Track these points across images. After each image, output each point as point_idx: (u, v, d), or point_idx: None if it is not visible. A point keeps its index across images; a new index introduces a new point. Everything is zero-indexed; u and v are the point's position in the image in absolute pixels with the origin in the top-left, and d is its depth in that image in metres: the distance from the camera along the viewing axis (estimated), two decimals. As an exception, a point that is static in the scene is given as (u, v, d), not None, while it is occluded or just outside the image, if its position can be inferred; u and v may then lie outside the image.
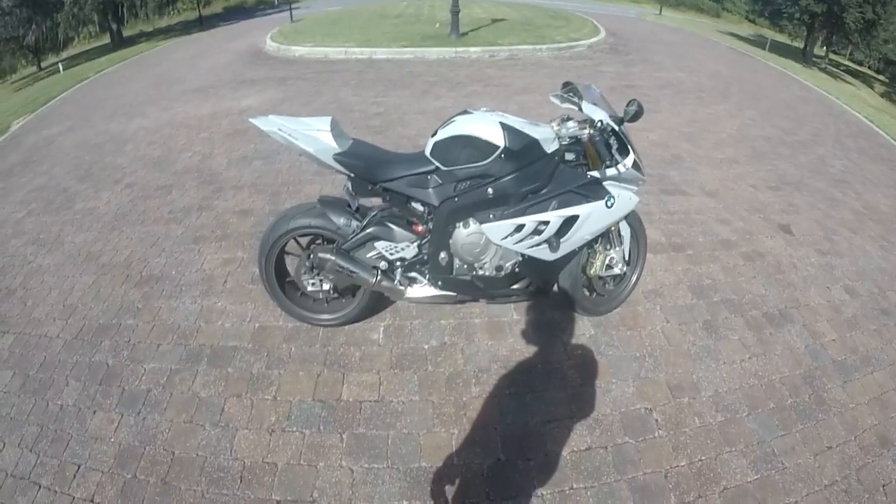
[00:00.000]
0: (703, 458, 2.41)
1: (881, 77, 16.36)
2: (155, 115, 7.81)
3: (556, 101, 2.74)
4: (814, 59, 15.83)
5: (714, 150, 6.15)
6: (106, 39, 19.59)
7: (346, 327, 3.03)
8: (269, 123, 2.49)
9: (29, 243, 4.54)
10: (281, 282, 2.91)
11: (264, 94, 8.27)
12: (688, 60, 11.86)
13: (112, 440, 2.58)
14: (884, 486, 2.40)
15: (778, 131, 7.26)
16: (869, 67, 16.59)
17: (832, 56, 15.67)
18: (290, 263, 2.98)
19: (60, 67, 15.15)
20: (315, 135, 2.47)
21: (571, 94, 2.72)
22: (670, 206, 4.54)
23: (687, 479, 2.31)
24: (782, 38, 19.31)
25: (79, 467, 2.49)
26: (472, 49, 11.14)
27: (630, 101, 2.47)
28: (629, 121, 2.49)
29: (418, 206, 2.64)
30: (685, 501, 2.23)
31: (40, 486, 2.47)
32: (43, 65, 18.21)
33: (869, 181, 6.04)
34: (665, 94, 8.61)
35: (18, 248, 4.51)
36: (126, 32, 21.04)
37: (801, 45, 17.26)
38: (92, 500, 2.35)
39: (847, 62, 16.41)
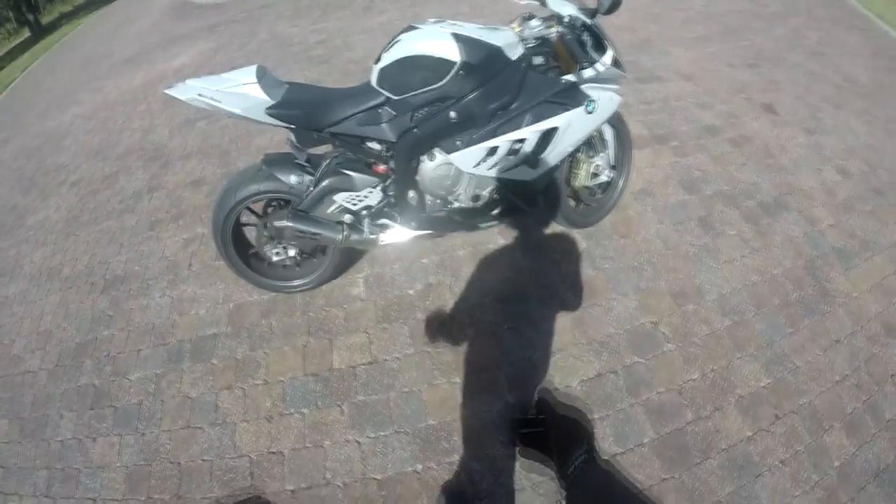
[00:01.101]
0: (714, 367, 2.30)
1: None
2: (88, 100, 7.31)
3: None
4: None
5: (684, 29, 5.67)
6: (26, 33, 18.34)
7: (324, 288, 2.80)
8: (187, 90, 2.14)
9: (-10, 277, 4.30)
10: (245, 256, 2.66)
11: (196, 48, 7.67)
12: None
13: (118, 465, 2.50)
14: (892, 376, 2.37)
15: (748, 3, 6.68)
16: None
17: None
18: (251, 234, 2.71)
19: (-17, 77, 14.32)
20: (241, 91, 2.11)
21: None
22: (647, 94, 4.18)
23: (701, 393, 2.21)
24: None
25: (94, 501, 2.44)
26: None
27: None
28: (605, 13, 2.12)
29: (374, 145, 2.30)
30: (702, 416, 2.15)
31: None
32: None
33: (846, 53, 5.65)
34: None
35: (-22, 287, 4.29)
36: (45, 19, 19.58)
37: None
38: None
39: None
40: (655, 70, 4.63)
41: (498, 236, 2.89)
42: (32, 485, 2.66)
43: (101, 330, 3.15)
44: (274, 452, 2.23)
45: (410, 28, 2.18)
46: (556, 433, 1.15)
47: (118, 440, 2.58)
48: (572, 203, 2.75)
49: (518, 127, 2.18)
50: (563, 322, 2.44)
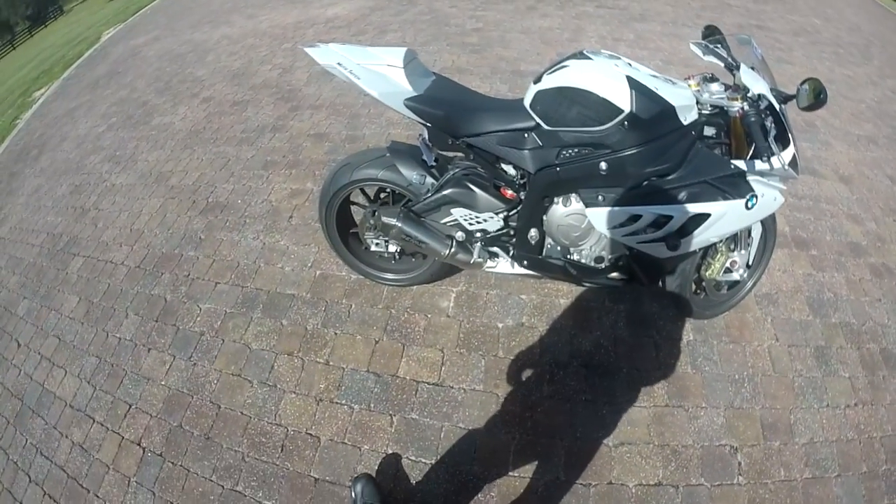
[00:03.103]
0: None
1: None
2: (240, 24, 7.59)
3: (698, 52, 2.12)
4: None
5: (851, 123, 5.21)
6: None
7: (414, 289, 2.72)
8: (328, 55, 2.05)
9: (105, 160, 4.52)
10: (344, 232, 2.59)
11: (354, 2, 7.73)
12: (824, 6, 10.24)
13: (162, 383, 2.55)
14: None
15: None
16: None
17: None
18: (357, 213, 2.65)
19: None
20: (384, 72, 2.01)
21: (719, 45, 2.11)
22: (799, 187, 3.85)
23: None
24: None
25: (130, 407, 2.52)
26: (586, -37, 9.93)
27: (806, 80, 1.85)
28: (802, 107, 1.86)
29: (510, 169, 2.16)
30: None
31: (94, 421, 2.54)
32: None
33: None
34: (799, 42, 7.40)
35: (95, 164, 4.51)
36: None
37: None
38: (139, 444, 2.35)
39: None
40: (813, 161, 4.26)
41: (605, 297, 2.71)
42: (80, 366, 2.78)
43: (188, 249, 3.22)
44: (311, 435, 2.18)
45: (582, 56, 2.00)
46: None
47: (170, 360, 2.62)
48: (694, 289, 2.55)
49: (669, 202, 1.96)
50: (643, 414, 2.25)
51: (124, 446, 2.35)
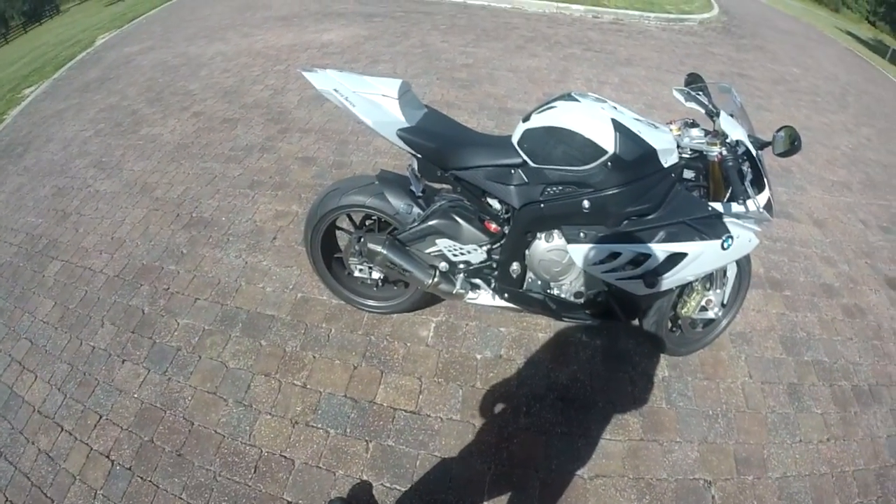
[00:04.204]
0: None
1: None
2: (235, 41, 7.63)
3: (680, 98, 2.23)
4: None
5: (826, 169, 5.45)
6: None
7: (394, 317, 2.74)
8: (325, 80, 2.09)
9: (91, 165, 4.48)
10: (328, 257, 2.62)
11: (348, 30, 7.89)
12: (804, 56, 10.68)
13: (135, 396, 2.51)
14: None
15: (895, 159, 6.39)
16: None
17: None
18: (342, 238, 2.68)
19: (153, -16, 15.22)
20: (378, 101, 2.06)
21: (700, 92, 2.21)
22: (774, 230, 4.00)
23: None
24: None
25: (100, 417, 2.46)
26: (575, 7, 10.16)
27: (781, 128, 1.95)
28: (777, 153, 1.97)
29: (495, 203, 2.21)
30: None
31: (62, 429, 2.47)
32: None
33: None
34: (778, 90, 7.72)
35: (80, 169, 4.47)
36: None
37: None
38: (108, 456, 2.30)
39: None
40: (788, 205, 4.41)
41: (582, 333, 2.76)
42: (51, 372, 2.72)
43: (169, 262, 3.20)
44: (286, 457, 2.16)
45: (569, 97, 2.07)
46: None
47: (145, 373, 2.59)
48: (670, 325, 2.60)
49: (648, 241, 2.04)
50: (618, 447, 2.28)
51: (92, 457, 2.29)
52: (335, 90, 2.07)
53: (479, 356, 2.58)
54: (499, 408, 2.37)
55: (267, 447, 2.21)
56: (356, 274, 2.58)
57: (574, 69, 6.68)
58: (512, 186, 2.08)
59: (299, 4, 9.97)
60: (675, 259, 2.04)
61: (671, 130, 2.09)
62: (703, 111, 2.16)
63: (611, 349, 2.69)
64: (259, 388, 2.43)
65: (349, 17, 8.80)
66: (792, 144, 1.92)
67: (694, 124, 2.12)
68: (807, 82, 8.54)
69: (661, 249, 2.03)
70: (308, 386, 2.42)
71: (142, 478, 2.18)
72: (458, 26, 8.39)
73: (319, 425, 2.27)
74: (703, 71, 2.41)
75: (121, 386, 2.56)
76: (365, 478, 2.09)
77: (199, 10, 10.60)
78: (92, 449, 2.33)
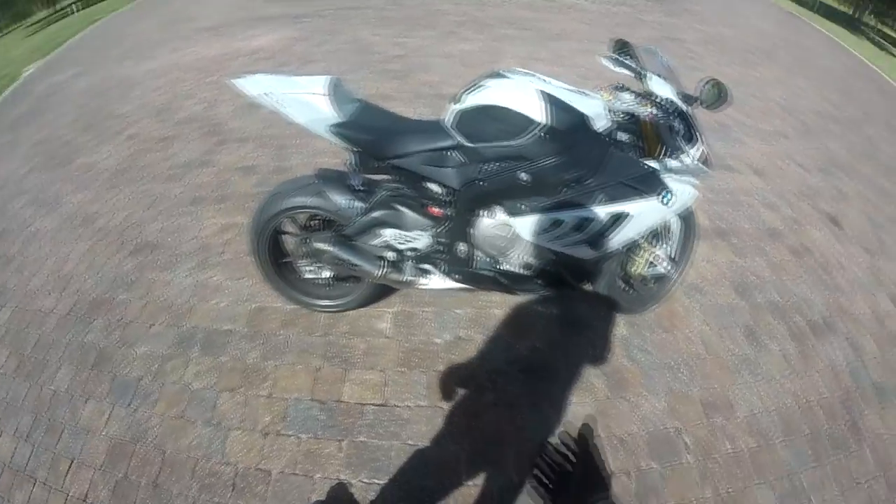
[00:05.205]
0: (730, 489, 2.17)
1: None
2: (164, 57, 7.42)
3: (609, 65, 2.25)
4: (862, 27, 14.37)
5: (762, 119, 5.61)
6: None
7: (350, 313, 2.73)
8: (255, 85, 2.05)
9: (29, 204, 4.33)
10: (277, 263, 2.59)
11: (278, 33, 7.76)
12: (733, 15, 10.91)
13: (103, 433, 2.45)
14: None
15: (827, 105, 6.64)
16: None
17: (881, 27, 14.16)
18: (289, 242, 2.65)
19: (74, 9, 14.63)
20: (309, 100, 2.02)
21: (628, 57, 2.24)
22: (716, 182, 4.09)
23: None
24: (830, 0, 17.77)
25: (72, 462, 2.40)
26: (505, -13, 10.21)
27: (708, 80, 2.02)
28: (707, 107, 2.04)
29: (435, 187, 2.20)
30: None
31: (35, 481, 2.40)
32: (58, 6, 17.66)
33: None
34: (710, 50, 7.93)
35: (18, 210, 4.31)
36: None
37: (851, 11, 15.67)
38: (85, 500, 2.25)
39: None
40: (728, 158, 4.53)
41: (537, 304, 2.79)
42: (16, 424, 2.63)
43: (119, 292, 3.12)
44: (262, 469, 2.15)
45: (498, 75, 2.09)
46: (580, 469, 1.04)
47: (109, 409, 2.53)
48: (622, 285, 2.65)
49: (589, 204, 2.08)
50: (587, 409, 2.33)
51: (70, 504, 2.25)
52: (265, 94, 2.03)
53: (438, 340, 2.59)
54: (464, 388, 2.39)
55: (242, 462, 2.19)
56: (307, 276, 2.56)
57: (507, 49, 6.73)
58: (450, 168, 2.09)
59: (226, 12, 9.77)
60: (617, 219, 2.10)
61: (602, 96, 2.14)
62: (632, 74, 2.20)
63: (567, 316, 2.73)
64: (225, 404, 2.40)
65: (278, 20, 8.66)
66: (719, 96, 1.98)
67: (624, 88, 2.16)
68: (737, 40, 8.77)
69: (602, 212, 2.07)
70: (273, 395, 2.40)
71: (121, 515, 2.14)
72: (388, 18, 8.36)
73: (290, 432, 2.26)
74: (634, 38, 2.43)
75: (88, 426, 2.49)
76: (343, 477, 2.10)
77: (125, 29, 10.28)
78: (68, 496, 2.27)
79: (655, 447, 2.24)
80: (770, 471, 2.26)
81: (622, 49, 2.31)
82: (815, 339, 2.90)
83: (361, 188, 2.28)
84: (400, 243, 2.29)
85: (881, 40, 12.62)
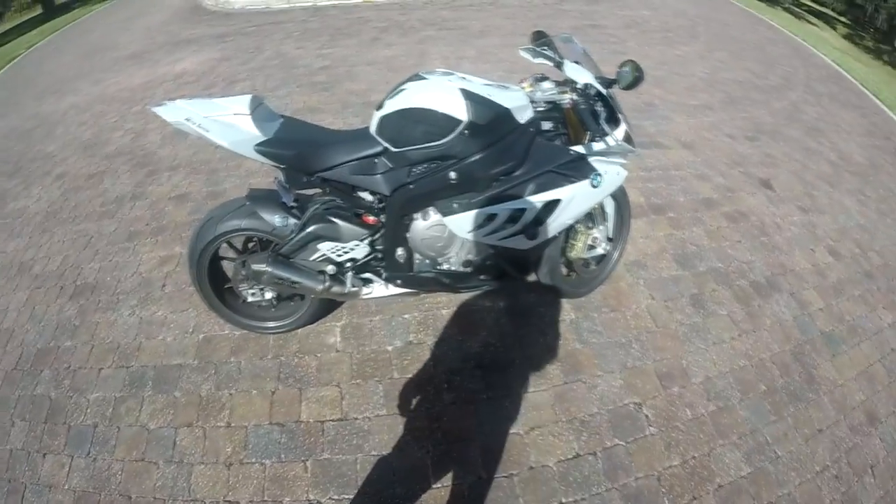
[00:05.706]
0: (696, 454, 2.25)
1: (843, 19, 15.40)
2: (86, 90, 7.18)
3: (528, 56, 2.30)
4: (777, -2, 14.98)
5: (687, 95, 5.80)
6: (39, 10, 17.91)
7: (299, 332, 2.71)
8: (175, 112, 2.01)
9: (-39, 259, 4.15)
10: (219, 289, 2.55)
11: (201, 55, 7.60)
12: None
13: (66, 487, 2.37)
14: (871, 467, 2.38)
15: (749, 75, 6.92)
16: (832, 9, 15.60)
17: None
18: (228, 267, 2.61)
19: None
20: (231, 121, 2.00)
21: (546, 47, 2.29)
22: (647, 161, 4.19)
23: (680, 481, 2.16)
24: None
25: None
26: (424, -11, 10.20)
27: (624, 63, 2.07)
28: (624, 88, 2.08)
29: (367, 196, 2.21)
30: (679, 505, 2.08)
31: None
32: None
33: (842, 129, 5.88)
34: (631, 33, 8.13)
35: (-51, 266, 4.13)
36: (60, -1, 19.26)
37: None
38: None
39: (809, 2, 15.47)
40: (657, 136, 4.66)
41: (484, 299, 2.82)
42: None
43: (64, 339, 3.03)
44: (230, 501, 2.12)
45: (418, 77, 2.11)
46: None
47: (69, 461, 2.45)
48: (564, 272, 2.70)
49: (520, 196, 2.11)
50: (545, 396, 2.37)
51: (40, 568, 2.18)
52: (187, 119, 2.00)
53: (389, 348, 2.60)
54: (421, 391, 2.41)
55: (209, 497, 2.15)
56: (250, 299, 2.53)
57: (431, 50, 6.77)
58: (378, 175, 2.10)
59: (147, 38, 9.50)
60: (550, 207, 2.13)
61: (523, 88, 2.19)
62: (551, 64, 2.24)
63: (514, 307, 2.77)
64: (185, 440, 2.36)
65: (200, 41, 8.48)
66: (635, 76, 2.03)
67: (544, 78, 2.22)
68: (657, 21, 9.02)
69: (534, 201, 2.11)
70: (232, 424, 2.37)
71: (92, 570, 2.09)
72: (310, 30, 8.31)
73: (253, 460, 2.23)
74: (555, 28, 2.49)
75: (48, 481, 2.41)
76: (312, 497, 2.08)
77: (44, 64, 9.90)
78: (38, 557, 2.22)
79: (618, 424, 2.30)
80: (733, 431, 2.35)
81: (540, 40, 2.35)
82: (761, 298, 3.01)
83: (294, 205, 2.27)
84: (338, 255, 2.28)
85: (796, 8, 13.20)
